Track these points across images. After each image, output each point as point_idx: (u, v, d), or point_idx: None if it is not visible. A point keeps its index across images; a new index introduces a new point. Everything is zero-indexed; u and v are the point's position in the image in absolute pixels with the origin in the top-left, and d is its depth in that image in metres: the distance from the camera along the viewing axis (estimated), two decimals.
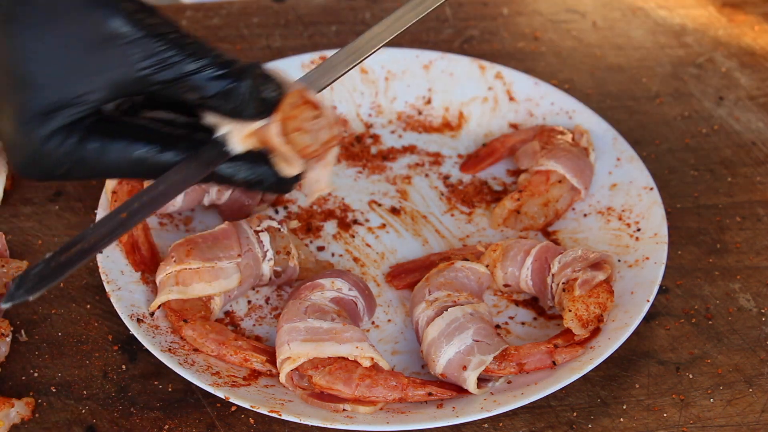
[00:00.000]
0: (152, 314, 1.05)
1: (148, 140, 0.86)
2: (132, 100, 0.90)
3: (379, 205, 1.24)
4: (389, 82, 1.36)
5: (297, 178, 0.91)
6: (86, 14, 0.80)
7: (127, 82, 0.82)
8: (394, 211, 1.24)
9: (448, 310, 1.03)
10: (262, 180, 0.90)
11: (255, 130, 0.88)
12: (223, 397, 0.96)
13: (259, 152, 0.89)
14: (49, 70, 0.81)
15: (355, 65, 0.96)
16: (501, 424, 1.00)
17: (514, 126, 1.34)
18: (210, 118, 0.89)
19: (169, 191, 0.85)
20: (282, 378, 0.99)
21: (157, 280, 1.07)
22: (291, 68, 1.33)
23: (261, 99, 0.86)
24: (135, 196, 0.85)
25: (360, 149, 1.31)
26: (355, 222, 1.22)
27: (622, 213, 1.20)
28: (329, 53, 1.37)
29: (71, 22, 0.80)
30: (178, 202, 1.16)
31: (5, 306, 0.77)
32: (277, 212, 1.23)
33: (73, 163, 0.84)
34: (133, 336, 1.05)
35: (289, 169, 0.90)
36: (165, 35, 0.82)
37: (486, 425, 1.00)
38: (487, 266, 1.11)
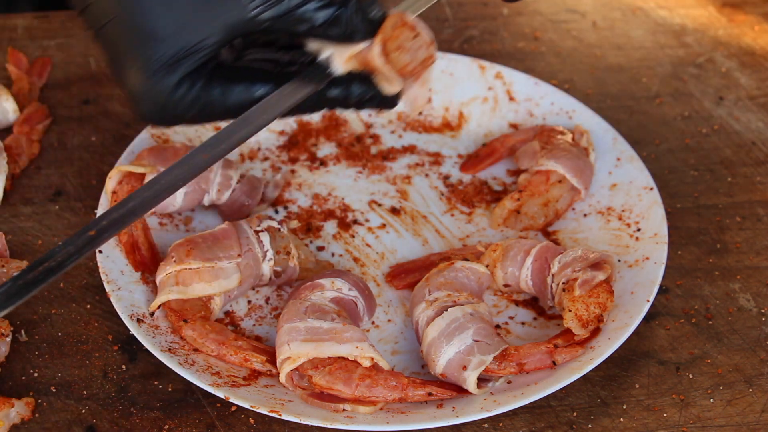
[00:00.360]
0: (152, 314, 1.05)
1: (265, 80, 0.93)
2: (234, 48, 0.96)
3: (379, 205, 1.24)
4: None
5: (399, 95, 0.98)
6: None
7: (240, 23, 0.88)
8: (394, 211, 1.24)
9: (448, 310, 1.03)
10: (374, 96, 0.97)
11: (357, 52, 0.94)
12: (223, 397, 0.96)
13: (361, 73, 0.96)
14: (170, 22, 0.86)
15: None
16: (501, 424, 1.00)
17: (514, 126, 1.34)
18: (312, 45, 0.96)
19: (141, 207, 0.87)
20: (282, 378, 0.99)
21: (157, 280, 1.07)
22: None
23: (369, 20, 0.92)
24: (104, 213, 0.86)
25: (360, 149, 1.31)
26: (355, 222, 1.22)
27: (622, 213, 1.20)
28: None
29: None
30: (178, 201, 1.16)
31: None
32: (277, 212, 1.23)
33: (200, 108, 0.90)
34: (133, 336, 1.05)
35: (389, 88, 0.97)
36: None
37: (486, 425, 1.00)
38: (487, 266, 1.11)
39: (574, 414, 1.02)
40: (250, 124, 0.91)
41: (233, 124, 0.92)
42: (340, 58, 0.95)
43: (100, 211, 1.14)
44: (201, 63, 0.88)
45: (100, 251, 1.09)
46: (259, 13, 0.88)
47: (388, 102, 0.98)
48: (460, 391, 1.00)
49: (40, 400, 1.01)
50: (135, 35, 0.87)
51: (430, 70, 0.98)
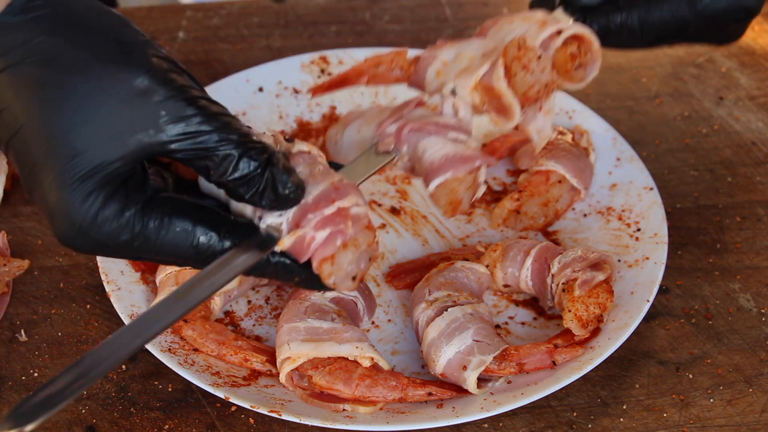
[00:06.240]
0: None
1: (210, 224, 0.82)
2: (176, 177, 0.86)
3: (379, 205, 1.24)
4: None
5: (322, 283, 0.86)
6: (114, 72, 0.78)
7: (156, 145, 0.79)
8: (394, 211, 1.24)
9: (448, 310, 1.03)
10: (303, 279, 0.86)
11: (479, 78, 0.89)
12: (223, 397, 0.96)
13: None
14: (86, 133, 0.78)
15: None
16: (501, 424, 1.00)
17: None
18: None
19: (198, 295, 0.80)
20: (282, 378, 0.99)
21: (157, 280, 1.07)
22: (291, 68, 1.33)
23: (279, 196, 0.82)
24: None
25: None
26: None
27: (622, 213, 1.20)
28: (329, 53, 1.37)
29: (101, 80, 0.78)
30: None
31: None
32: None
33: (130, 239, 0.79)
34: None
35: (505, 124, 0.92)
36: (195, 100, 0.79)
37: (486, 425, 1.00)
38: (487, 266, 1.11)
39: (574, 414, 1.02)
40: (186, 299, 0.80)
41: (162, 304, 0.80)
42: (464, 89, 0.90)
43: None
44: (122, 182, 0.79)
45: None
46: (173, 141, 0.79)
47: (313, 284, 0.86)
48: (460, 391, 1.00)
49: None
50: (47, 146, 0.78)
51: (553, 97, 0.91)
